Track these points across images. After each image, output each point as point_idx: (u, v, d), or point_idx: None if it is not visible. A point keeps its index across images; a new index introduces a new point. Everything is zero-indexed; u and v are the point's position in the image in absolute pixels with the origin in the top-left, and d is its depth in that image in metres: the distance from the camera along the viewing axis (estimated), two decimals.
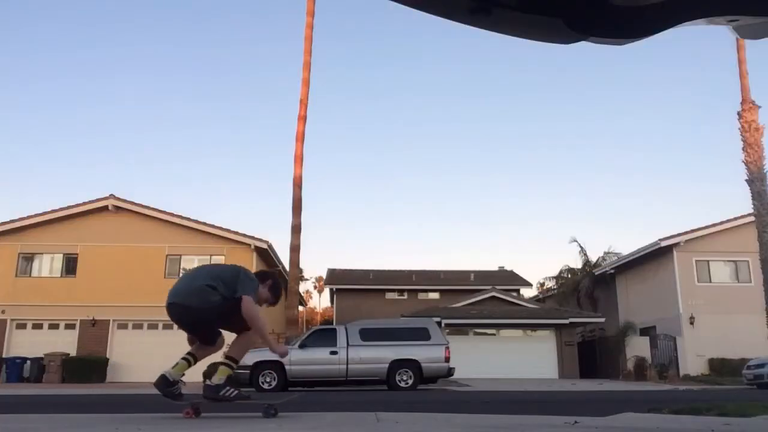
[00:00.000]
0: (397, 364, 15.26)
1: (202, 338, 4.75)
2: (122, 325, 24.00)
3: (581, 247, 32.49)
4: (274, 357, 15.47)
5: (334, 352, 15.34)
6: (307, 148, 20.97)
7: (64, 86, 60.19)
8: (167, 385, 4.53)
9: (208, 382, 4.60)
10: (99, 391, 14.49)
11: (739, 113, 18.11)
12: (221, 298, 4.52)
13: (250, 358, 15.49)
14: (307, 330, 23.44)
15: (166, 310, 4.66)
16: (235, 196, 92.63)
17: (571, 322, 26.10)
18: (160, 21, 62.86)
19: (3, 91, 57.94)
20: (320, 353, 15.31)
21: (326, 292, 46.23)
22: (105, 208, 24.85)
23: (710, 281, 25.82)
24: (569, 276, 33.03)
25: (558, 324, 25.83)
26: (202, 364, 18.29)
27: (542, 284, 36.30)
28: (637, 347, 25.14)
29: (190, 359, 4.70)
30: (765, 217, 17.13)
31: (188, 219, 24.89)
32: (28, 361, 21.89)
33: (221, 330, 4.78)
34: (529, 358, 24.74)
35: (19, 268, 24.54)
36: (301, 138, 20.77)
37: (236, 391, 4.68)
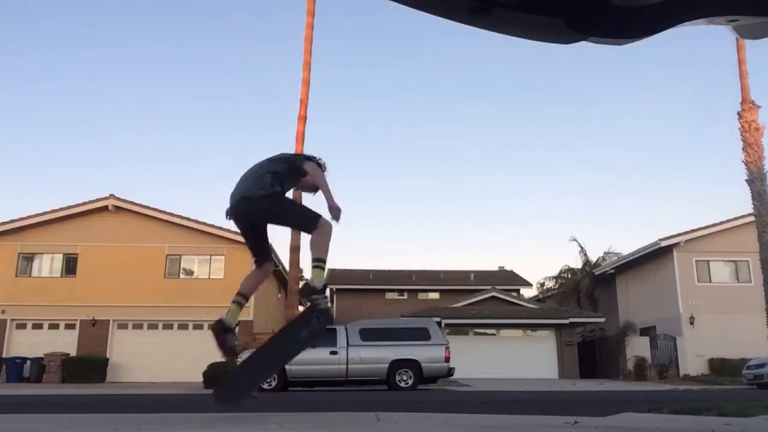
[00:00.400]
0: (397, 364, 15.26)
1: (261, 248, 4.56)
2: (122, 325, 23.99)
3: (581, 247, 32.54)
4: None
5: (334, 352, 15.34)
6: (307, 148, 20.96)
7: (64, 86, 60.18)
8: (225, 330, 4.32)
9: (309, 282, 4.31)
10: (99, 391, 14.49)
11: (739, 113, 18.10)
12: (280, 187, 4.30)
13: None
14: None
15: (230, 212, 4.40)
16: None
17: (571, 322, 26.10)
18: (160, 21, 62.86)
19: (3, 91, 57.95)
20: (320, 353, 15.31)
21: (326, 292, 46.28)
22: (105, 208, 24.85)
23: (710, 281, 25.82)
24: (569, 276, 33.04)
25: (558, 324, 25.83)
26: (202, 364, 18.20)
27: (542, 284, 36.30)
28: (637, 347, 25.14)
29: (241, 300, 4.49)
30: (765, 217, 17.12)
31: (188, 219, 24.88)
32: (28, 361, 21.89)
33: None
34: (529, 358, 24.73)
35: (19, 268, 24.53)
36: (301, 138, 20.75)
37: (328, 303, 4.40)
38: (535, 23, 1.89)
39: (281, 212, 4.45)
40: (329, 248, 4.26)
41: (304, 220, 4.37)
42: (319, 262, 4.19)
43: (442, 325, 22.96)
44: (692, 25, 1.98)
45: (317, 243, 4.26)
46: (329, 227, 4.26)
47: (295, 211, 4.48)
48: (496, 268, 38.12)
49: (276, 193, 4.32)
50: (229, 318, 4.34)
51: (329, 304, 4.31)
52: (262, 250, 4.58)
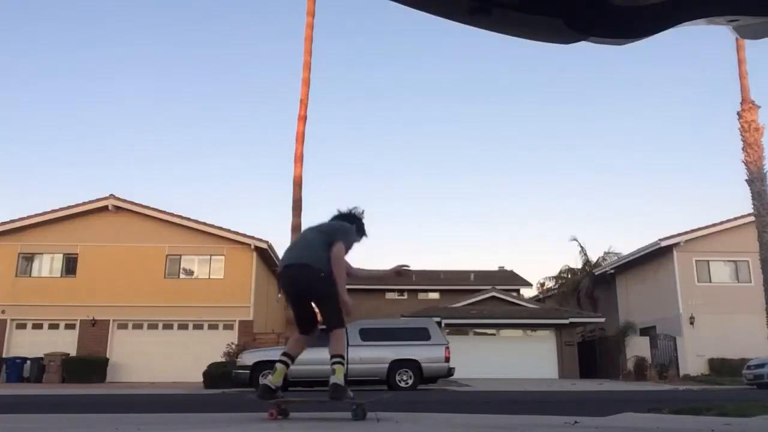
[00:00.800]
0: (397, 364, 15.26)
1: (306, 319, 4.75)
2: (122, 325, 23.99)
3: (581, 246, 32.55)
4: (274, 357, 15.59)
5: None
6: (307, 148, 20.96)
7: (64, 86, 60.18)
8: (271, 395, 4.51)
9: (335, 381, 4.50)
10: (99, 391, 14.49)
11: (738, 113, 18.09)
12: (326, 276, 4.58)
13: (249, 359, 15.51)
14: None
15: (280, 276, 4.73)
16: (235, 196, 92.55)
17: (571, 322, 26.10)
18: (159, 21, 62.86)
19: (3, 91, 57.95)
20: (320, 353, 15.23)
21: None
22: (105, 208, 24.85)
23: (710, 281, 25.82)
24: (569, 276, 33.03)
25: (558, 324, 25.83)
26: (202, 364, 18.19)
27: (542, 284, 36.29)
28: (637, 347, 25.13)
29: (288, 361, 4.69)
30: (765, 217, 17.11)
31: (188, 219, 24.88)
32: (28, 361, 21.89)
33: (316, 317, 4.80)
34: (529, 358, 24.74)
35: (19, 268, 24.53)
36: (301, 138, 20.75)
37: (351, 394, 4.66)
38: (535, 23, 1.89)
39: (326, 297, 4.68)
40: (345, 347, 4.75)
41: (332, 319, 4.68)
42: (338, 358, 4.60)
43: (442, 325, 22.96)
44: (692, 25, 1.98)
45: (336, 343, 4.66)
46: (344, 332, 4.80)
47: (332, 306, 4.68)
48: (496, 268, 38.12)
49: (328, 275, 4.58)
50: (275, 379, 4.59)
51: (351, 394, 4.62)
52: (309, 323, 4.82)
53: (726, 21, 1.98)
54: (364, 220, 5.04)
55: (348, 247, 4.75)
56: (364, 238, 4.99)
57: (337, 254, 4.60)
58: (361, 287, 32.91)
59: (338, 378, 4.44)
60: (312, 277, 4.56)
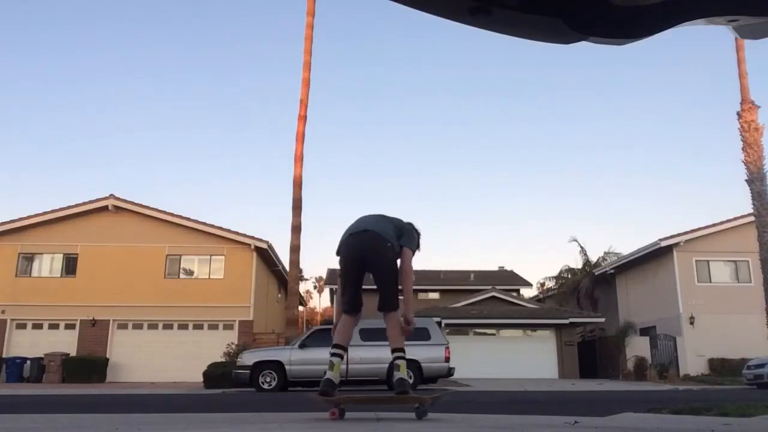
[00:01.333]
0: None
1: (358, 294, 4.59)
2: (122, 325, 24.00)
3: (581, 246, 32.58)
4: (274, 357, 15.60)
5: None
6: (307, 148, 20.96)
7: (65, 86, 60.25)
8: (334, 388, 4.34)
9: (400, 376, 4.34)
10: (99, 391, 14.49)
11: (738, 113, 18.10)
12: (393, 248, 4.47)
13: (249, 359, 15.50)
14: (307, 330, 23.44)
15: (343, 243, 4.51)
16: (236, 196, 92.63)
17: (571, 322, 26.09)
18: (160, 22, 62.91)
19: (3, 92, 57.99)
20: (320, 353, 15.26)
21: (326, 292, 46.26)
22: (105, 208, 24.85)
23: (710, 281, 25.81)
24: (569, 276, 33.03)
25: (558, 324, 25.82)
26: (202, 364, 18.17)
27: (542, 284, 36.32)
28: (637, 347, 25.13)
29: (341, 353, 4.46)
30: (765, 217, 17.12)
31: (188, 219, 24.89)
32: (28, 361, 21.89)
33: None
34: (529, 358, 24.74)
35: (19, 268, 24.53)
36: (301, 138, 20.75)
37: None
38: (535, 23, 1.89)
39: (388, 270, 4.51)
40: (402, 338, 4.45)
41: (391, 299, 4.49)
42: (401, 353, 4.39)
43: (442, 325, 22.95)
44: (692, 25, 1.98)
45: (396, 336, 4.44)
46: (397, 320, 4.48)
47: (393, 281, 4.53)
48: (496, 268, 38.11)
49: (396, 250, 4.47)
50: (336, 375, 4.37)
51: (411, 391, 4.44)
52: (360, 300, 4.65)
53: (726, 21, 1.98)
54: (420, 238, 4.85)
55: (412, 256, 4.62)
56: (417, 252, 4.78)
57: (409, 264, 4.52)
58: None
59: (403, 373, 4.31)
60: (381, 243, 4.43)
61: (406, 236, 4.61)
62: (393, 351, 4.40)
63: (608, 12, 1.91)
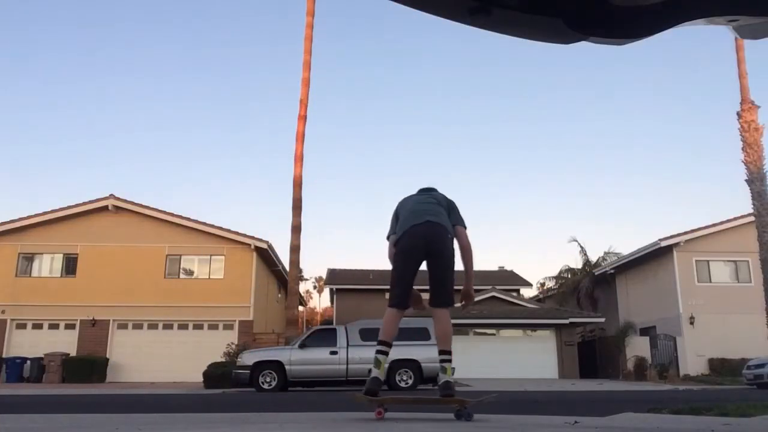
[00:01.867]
0: (397, 364, 15.24)
1: (411, 289, 4.41)
2: (122, 325, 24.00)
3: (581, 247, 32.59)
4: (274, 357, 15.60)
5: (334, 352, 15.35)
6: (307, 148, 20.96)
7: (65, 87, 60.28)
8: (381, 387, 4.29)
9: (446, 379, 4.25)
10: (99, 391, 14.49)
11: (738, 113, 18.09)
12: (452, 240, 4.41)
13: (249, 359, 15.51)
14: (307, 330, 23.44)
15: (415, 232, 4.34)
16: (235, 196, 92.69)
17: (571, 322, 26.09)
18: (160, 22, 62.93)
19: (4, 92, 58.01)
20: (320, 353, 15.31)
21: (326, 292, 46.24)
22: (105, 208, 24.85)
23: (710, 281, 25.82)
24: (569, 276, 33.04)
25: (558, 324, 25.82)
26: (202, 364, 18.16)
27: (542, 284, 36.33)
28: (637, 347, 25.13)
29: (386, 350, 4.31)
30: (765, 217, 17.11)
31: (188, 219, 24.89)
32: (28, 361, 21.89)
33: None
34: (529, 358, 24.74)
35: (19, 268, 24.53)
36: (301, 138, 20.75)
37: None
38: (535, 23, 1.88)
39: (450, 264, 4.40)
40: (452, 339, 4.31)
41: (449, 294, 4.37)
42: (448, 355, 4.26)
43: None
44: (692, 25, 1.97)
45: (443, 335, 4.30)
46: (449, 318, 4.34)
47: (453, 276, 4.44)
48: (496, 268, 38.11)
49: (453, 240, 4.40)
50: (382, 373, 4.30)
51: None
52: (411, 294, 4.47)
53: (726, 21, 1.98)
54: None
55: None
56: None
57: (467, 240, 4.48)
58: (361, 287, 32.92)
59: (449, 376, 4.23)
60: (444, 235, 4.35)
61: (454, 214, 4.56)
62: (441, 353, 4.28)
63: (608, 12, 1.91)
